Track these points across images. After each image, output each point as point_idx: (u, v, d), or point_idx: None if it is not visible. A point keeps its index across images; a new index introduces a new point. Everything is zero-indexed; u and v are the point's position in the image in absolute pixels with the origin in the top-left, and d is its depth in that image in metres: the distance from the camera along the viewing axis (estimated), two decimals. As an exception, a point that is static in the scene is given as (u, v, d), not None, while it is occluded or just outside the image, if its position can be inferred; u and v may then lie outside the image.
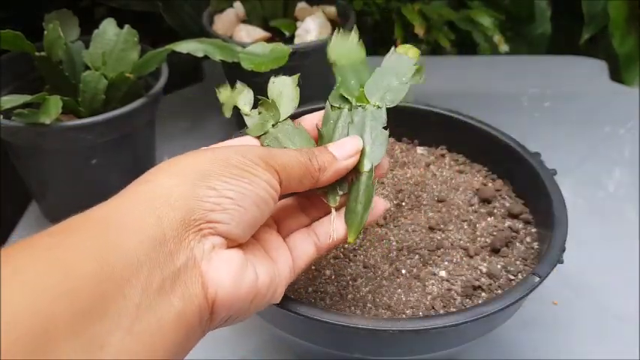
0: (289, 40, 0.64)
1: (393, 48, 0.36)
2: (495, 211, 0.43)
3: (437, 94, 0.62)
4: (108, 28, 0.54)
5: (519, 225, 0.42)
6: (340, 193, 0.33)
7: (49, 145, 0.51)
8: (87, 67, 0.53)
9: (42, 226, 0.58)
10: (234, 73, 0.65)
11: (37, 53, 0.50)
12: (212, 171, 0.27)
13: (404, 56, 0.36)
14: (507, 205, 0.44)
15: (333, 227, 0.32)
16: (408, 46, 0.36)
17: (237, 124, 0.69)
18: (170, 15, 0.70)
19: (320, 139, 0.35)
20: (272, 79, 0.36)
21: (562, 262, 0.36)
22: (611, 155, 0.67)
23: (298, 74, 0.37)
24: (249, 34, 0.64)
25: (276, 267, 0.29)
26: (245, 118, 0.36)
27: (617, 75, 0.83)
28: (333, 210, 0.33)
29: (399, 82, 0.35)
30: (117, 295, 0.21)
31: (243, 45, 0.53)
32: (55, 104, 0.47)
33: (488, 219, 0.43)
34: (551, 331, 0.47)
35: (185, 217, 0.25)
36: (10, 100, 0.47)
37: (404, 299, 0.36)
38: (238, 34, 0.64)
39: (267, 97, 0.36)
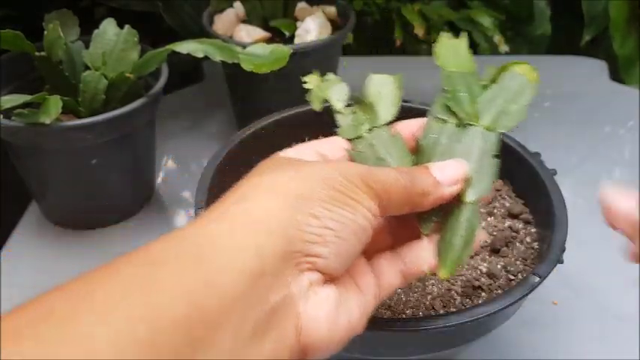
0: (289, 40, 0.64)
1: (512, 67, 0.32)
2: (495, 211, 0.43)
3: (437, 94, 0.62)
4: (108, 28, 0.54)
5: (519, 225, 0.42)
6: (434, 220, 0.29)
7: (49, 145, 0.51)
8: (87, 67, 0.53)
9: (42, 226, 0.58)
10: (234, 73, 0.65)
11: (37, 53, 0.50)
12: (313, 194, 0.24)
13: (523, 77, 0.32)
14: (507, 205, 0.44)
15: (423, 256, 0.29)
16: (526, 66, 0.32)
17: (237, 125, 0.69)
18: (170, 15, 0.70)
19: (419, 153, 0.31)
20: (370, 76, 0.33)
21: (562, 262, 0.36)
22: (611, 155, 0.67)
23: (401, 74, 0.33)
24: (249, 34, 0.64)
25: (365, 298, 0.26)
26: (336, 115, 0.33)
27: (617, 75, 0.83)
28: (424, 238, 0.29)
29: (517, 106, 0.31)
30: (207, 343, 0.19)
31: (244, 45, 0.53)
32: (55, 104, 0.47)
33: (488, 219, 0.43)
34: (551, 331, 0.47)
35: (285, 248, 0.22)
36: (10, 100, 0.47)
37: (404, 299, 0.36)
38: (238, 34, 0.64)
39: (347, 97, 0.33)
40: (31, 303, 0.19)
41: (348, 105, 0.33)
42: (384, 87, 0.33)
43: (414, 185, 0.27)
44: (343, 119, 0.32)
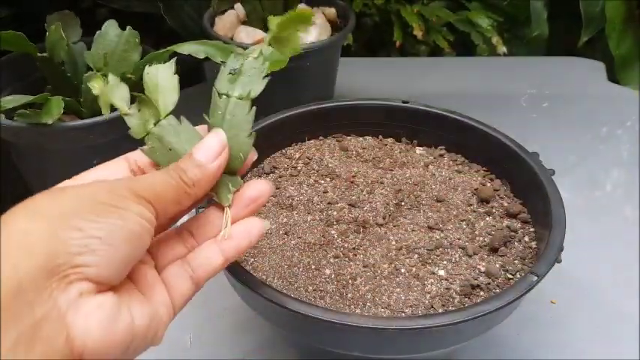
0: (289, 41, 0.65)
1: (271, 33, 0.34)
2: (494, 210, 0.44)
3: (436, 95, 0.62)
4: (110, 29, 0.54)
5: (518, 225, 0.42)
6: (233, 189, 0.31)
7: (50, 145, 0.51)
8: (89, 68, 0.53)
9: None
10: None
11: (39, 54, 0.51)
12: (77, 210, 0.24)
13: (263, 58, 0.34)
14: (506, 204, 0.44)
15: (227, 228, 0.30)
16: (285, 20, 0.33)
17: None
18: (171, 16, 0.70)
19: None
20: (146, 69, 0.33)
21: (560, 262, 0.36)
22: (609, 155, 0.68)
23: (175, 58, 0.34)
24: (250, 35, 0.64)
25: (153, 307, 0.27)
26: (125, 118, 0.32)
27: (615, 76, 0.83)
28: (227, 209, 0.30)
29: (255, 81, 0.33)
30: None
31: (244, 46, 0.53)
32: (57, 105, 0.47)
33: (487, 219, 0.43)
34: (550, 330, 0.47)
35: (46, 264, 0.22)
36: (12, 101, 0.48)
37: (403, 298, 0.37)
38: (239, 35, 0.64)
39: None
40: None
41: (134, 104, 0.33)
42: (159, 77, 0.33)
43: (182, 180, 0.28)
44: (131, 120, 0.32)
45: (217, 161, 0.30)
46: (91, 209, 0.24)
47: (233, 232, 0.30)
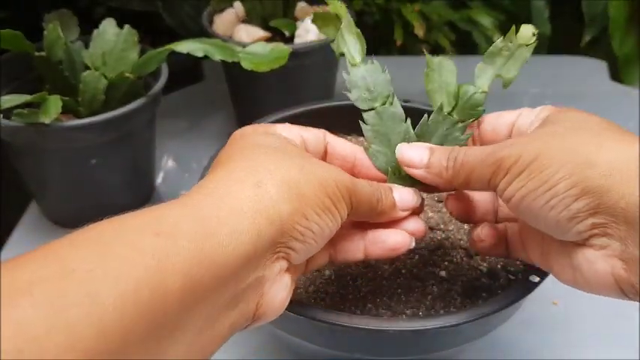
0: (289, 40, 0.64)
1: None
2: (495, 211, 0.43)
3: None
4: (108, 28, 0.54)
5: (519, 225, 0.42)
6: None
7: (48, 145, 0.51)
8: (87, 67, 0.53)
9: (42, 226, 0.58)
10: (234, 72, 0.65)
11: (36, 53, 0.50)
12: (311, 196, 0.26)
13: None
14: (507, 205, 0.44)
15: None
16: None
17: (237, 124, 0.69)
18: (170, 15, 0.70)
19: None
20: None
21: (562, 262, 0.36)
22: (611, 155, 0.67)
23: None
24: (249, 34, 0.64)
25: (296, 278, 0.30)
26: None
27: (617, 75, 0.83)
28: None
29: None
30: (191, 312, 0.22)
31: (243, 45, 0.53)
32: (54, 104, 0.47)
33: (489, 219, 0.43)
34: (551, 331, 0.47)
35: (275, 238, 0.25)
36: (10, 100, 0.47)
37: (404, 299, 0.36)
38: (238, 34, 0.64)
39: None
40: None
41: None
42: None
43: (377, 204, 0.31)
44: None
45: (404, 213, 0.33)
46: (320, 202, 0.27)
47: (386, 238, 0.32)
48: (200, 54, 0.49)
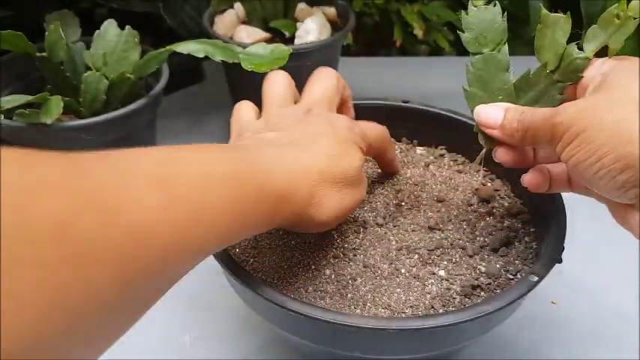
0: (289, 40, 0.64)
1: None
2: (494, 210, 0.43)
3: (437, 94, 0.62)
4: (109, 28, 0.54)
5: (518, 225, 0.42)
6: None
7: (50, 145, 0.50)
8: (88, 68, 0.53)
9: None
10: (234, 73, 0.65)
11: (38, 54, 0.51)
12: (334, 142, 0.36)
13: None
14: (506, 204, 0.44)
15: None
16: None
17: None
18: (170, 15, 0.70)
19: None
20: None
21: (561, 262, 0.36)
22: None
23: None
24: (250, 34, 0.64)
25: None
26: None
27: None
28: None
29: None
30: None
31: (244, 46, 0.53)
32: (56, 104, 0.47)
33: (488, 219, 0.43)
34: (551, 330, 0.47)
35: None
36: (11, 100, 0.48)
37: (403, 298, 0.36)
38: (238, 34, 0.64)
39: None
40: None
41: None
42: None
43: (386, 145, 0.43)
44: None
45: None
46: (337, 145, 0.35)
47: None
48: (201, 55, 0.50)
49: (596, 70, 0.33)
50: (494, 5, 0.36)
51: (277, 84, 0.40)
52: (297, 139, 0.35)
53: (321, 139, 0.35)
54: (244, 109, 0.39)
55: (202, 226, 0.24)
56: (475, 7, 0.36)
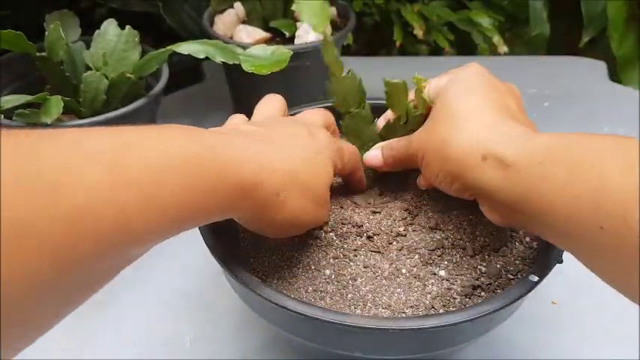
0: (289, 40, 0.64)
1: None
2: (495, 211, 0.43)
3: (436, 95, 0.62)
4: (109, 28, 0.54)
5: (519, 225, 0.42)
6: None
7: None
8: (88, 68, 0.53)
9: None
10: (235, 74, 0.65)
11: (38, 53, 0.51)
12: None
13: None
14: (507, 205, 0.44)
15: None
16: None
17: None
18: (170, 15, 0.70)
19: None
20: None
21: (561, 262, 0.36)
22: (610, 155, 0.67)
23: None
24: (250, 34, 0.64)
25: None
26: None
27: (616, 75, 0.83)
28: None
29: None
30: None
31: (244, 46, 0.53)
32: (56, 104, 0.47)
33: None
34: (551, 330, 0.47)
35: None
36: (11, 100, 0.48)
37: (404, 298, 0.36)
38: (238, 34, 0.64)
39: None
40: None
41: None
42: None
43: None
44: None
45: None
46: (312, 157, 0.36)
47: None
48: (201, 55, 0.49)
49: (435, 86, 0.40)
50: (350, 74, 0.43)
51: (271, 107, 0.40)
52: (275, 137, 0.34)
53: (299, 144, 0.35)
54: (235, 117, 0.39)
55: (154, 209, 0.24)
56: (333, 76, 0.42)
